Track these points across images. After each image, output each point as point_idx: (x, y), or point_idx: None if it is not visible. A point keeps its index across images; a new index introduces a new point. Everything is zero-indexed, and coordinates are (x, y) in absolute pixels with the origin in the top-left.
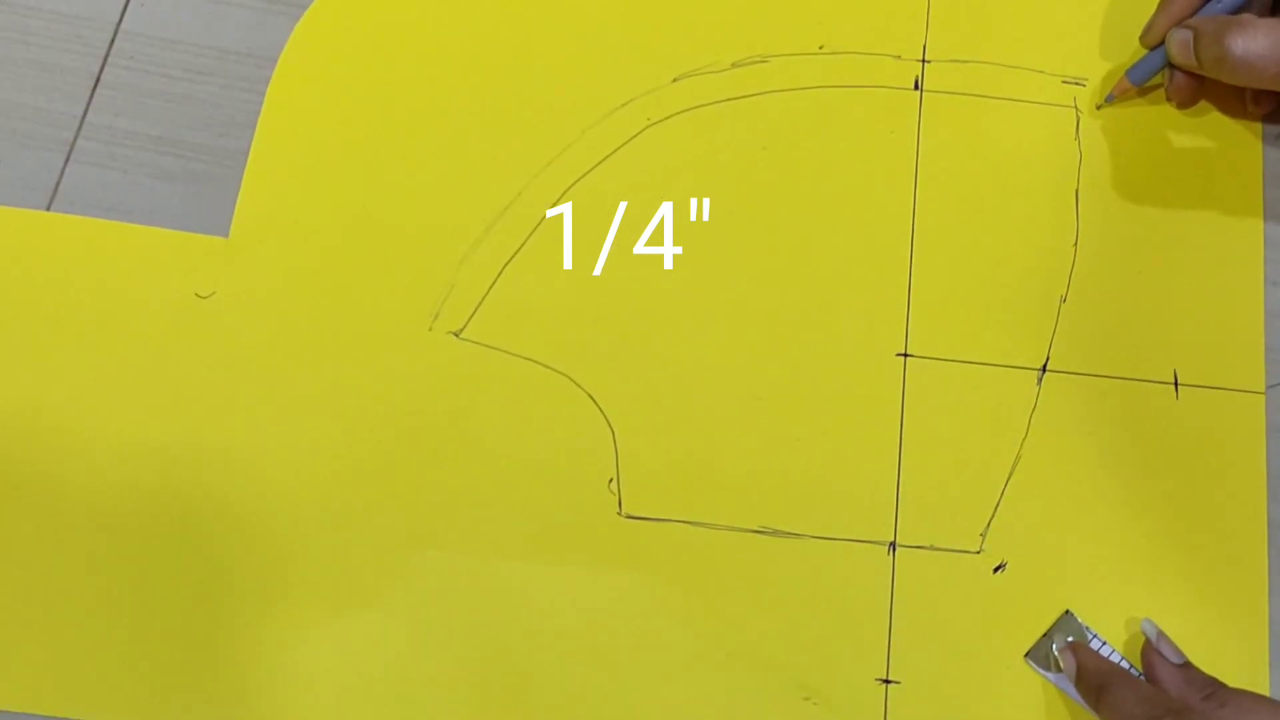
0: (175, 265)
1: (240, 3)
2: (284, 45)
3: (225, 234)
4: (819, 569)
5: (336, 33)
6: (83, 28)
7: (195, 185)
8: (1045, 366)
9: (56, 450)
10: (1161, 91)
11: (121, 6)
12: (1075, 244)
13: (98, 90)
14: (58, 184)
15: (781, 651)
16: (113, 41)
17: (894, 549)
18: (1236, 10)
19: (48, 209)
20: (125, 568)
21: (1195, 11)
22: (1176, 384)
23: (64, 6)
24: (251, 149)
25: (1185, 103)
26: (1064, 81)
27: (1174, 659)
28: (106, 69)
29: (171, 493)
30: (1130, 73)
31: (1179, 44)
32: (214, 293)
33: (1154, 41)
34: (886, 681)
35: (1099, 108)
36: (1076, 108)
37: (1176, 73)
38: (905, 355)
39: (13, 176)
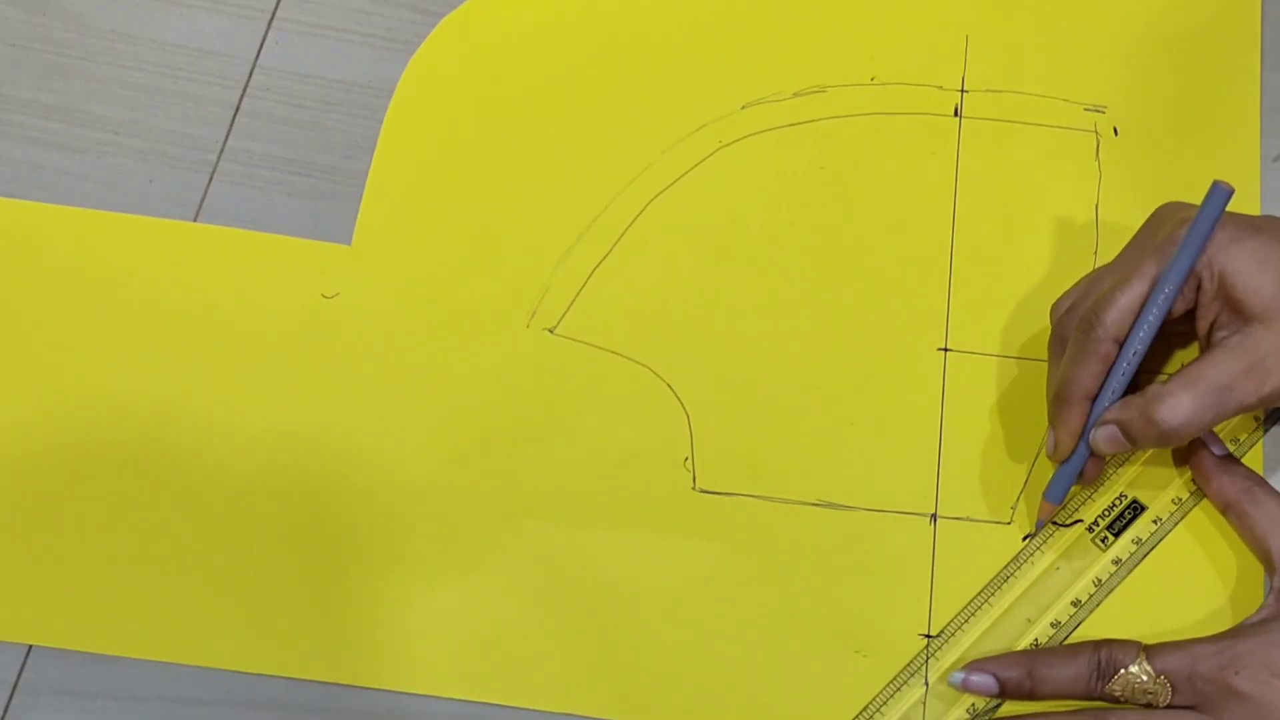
0: (304, 270)
1: (362, 41)
2: (399, 76)
3: (348, 242)
4: (869, 537)
5: (445, 66)
6: (224, 63)
7: (322, 201)
8: None
9: (201, 435)
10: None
11: (258, 44)
12: (1095, 252)
13: (237, 118)
14: (202, 200)
15: (836, 610)
16: (250, 75)
17: (935, 520)
18: (1123, 393)
19: (193, 222)
20: (262, 539)
21: (1088, 416)
22: None
23: (208, 44)
24: (371, 167)
25: (1098, 478)
26: (1085, 109)
27: (1216, 450)
28: (245, 99)
29: (301, 471)
30: (1048, 493)
31: (1107, 439)
32: (338, 294)
33: (1065, 455)
34: (929, 636)
35: (1026, 539)
36: (1096, 132)
37: (1090, 462)
38: (945, 350)
39: (164, 193)
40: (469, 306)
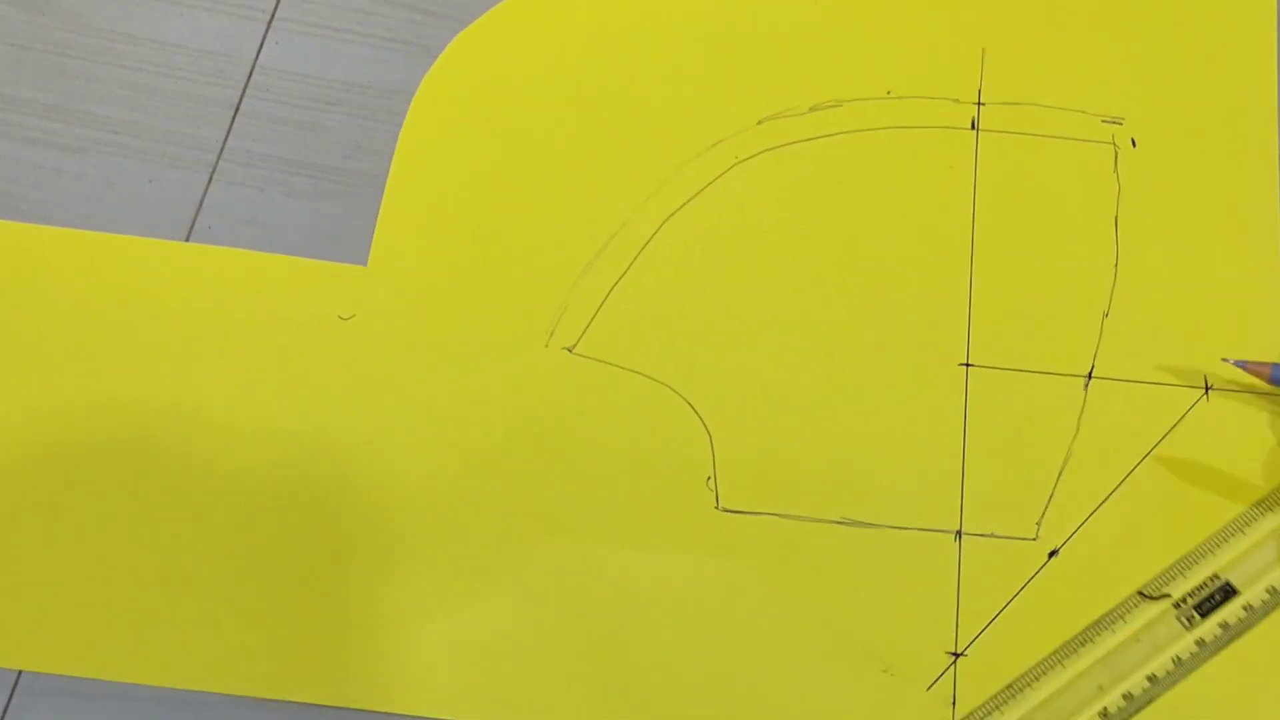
0: (320, 292)
1: (362, 41)
2: (401, 78)
3: (363, 262)
4: (894, 555)
5: (460, 84)
6: (224, 63)
7: (322, 203)
8: (1091, 374)
9: (218, 454)
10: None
11: (258, 44)
12: (1115, 265)
13: (237, 118)
14: (202, 200)
15: (862, 628)
16: (250, 75)
17: (960, 536)
18: None
19: (193, 222)
20: (280, 562)
21: None
22: (1207, 388)
23: (208, 44)
24: (386, 188)
25: None
26: (1103, 121)
27: None
28: (245, 99)
29: (317, 491)
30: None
31: None
32: (354, 315)
33: None
34: (955, 655)
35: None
36: (1115, 144)
37: None
38: (967, 365)
39: (162, 194)
40: (487, 326)
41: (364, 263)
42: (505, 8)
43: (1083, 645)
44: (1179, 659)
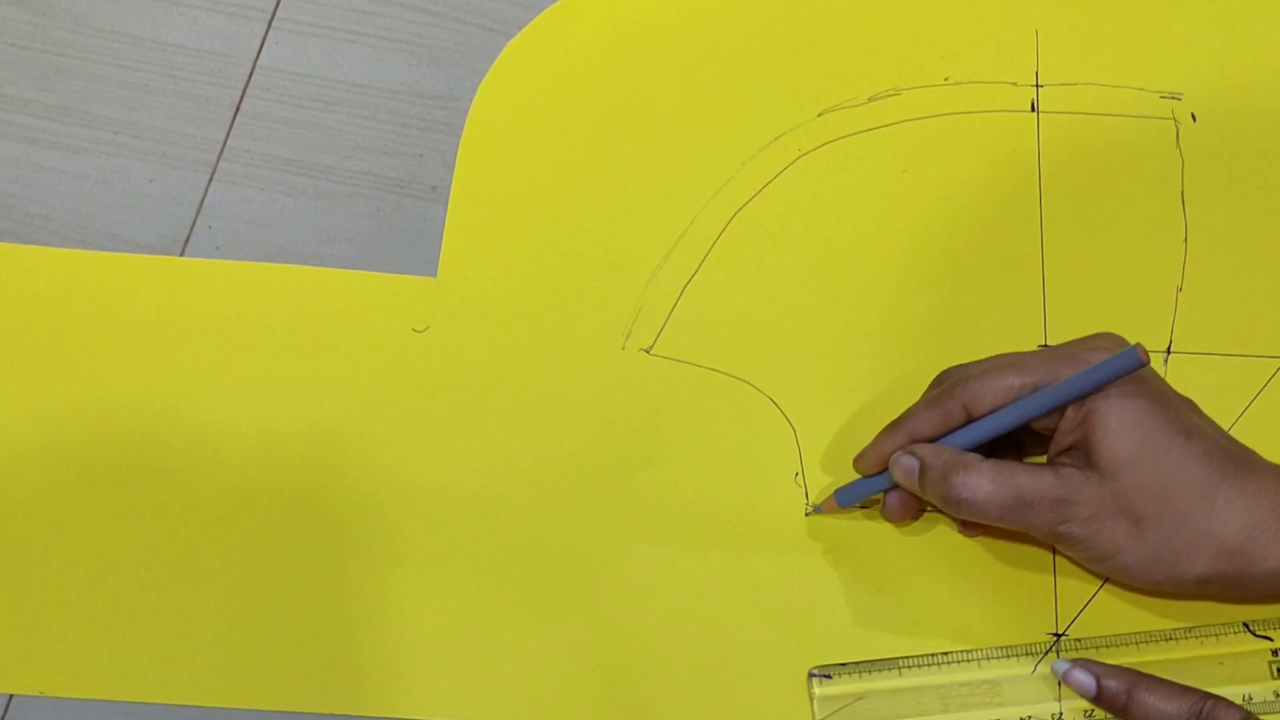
0: (392, 306)
1: (362, 41)
2: (401, 78)
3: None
4: (985, 542)
5: (516, 91)
6: (224, 63)
7: (322, 202)
8: (1169, 349)
9: (301, 475)
10: None
11: (258, 44)
12: (1185, 240)
13: (237, 118)
14: (202, 200)
15: (961, 617)
16: (250, 75)
17: None
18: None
19: (193, 222)
20: (367, 579)
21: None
22: None
23: (208, 44)
24: (451, 197)
25: (903, 519)
26: (1162, 97)
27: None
28: (245, 99)
29: (406, 510)
30: (840, 494)
31: (903, 470)
32: (428, 328)
33: (869, 469)
34: (1057, 635)
35: (808, 514)
36: (1175, 119)
37: (892, 493)
38: (1044, 346)
39: (163, 193)
40: (561, 332)
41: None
42: (558, 9)
43: (1166, 640)
44: (1249, 697)
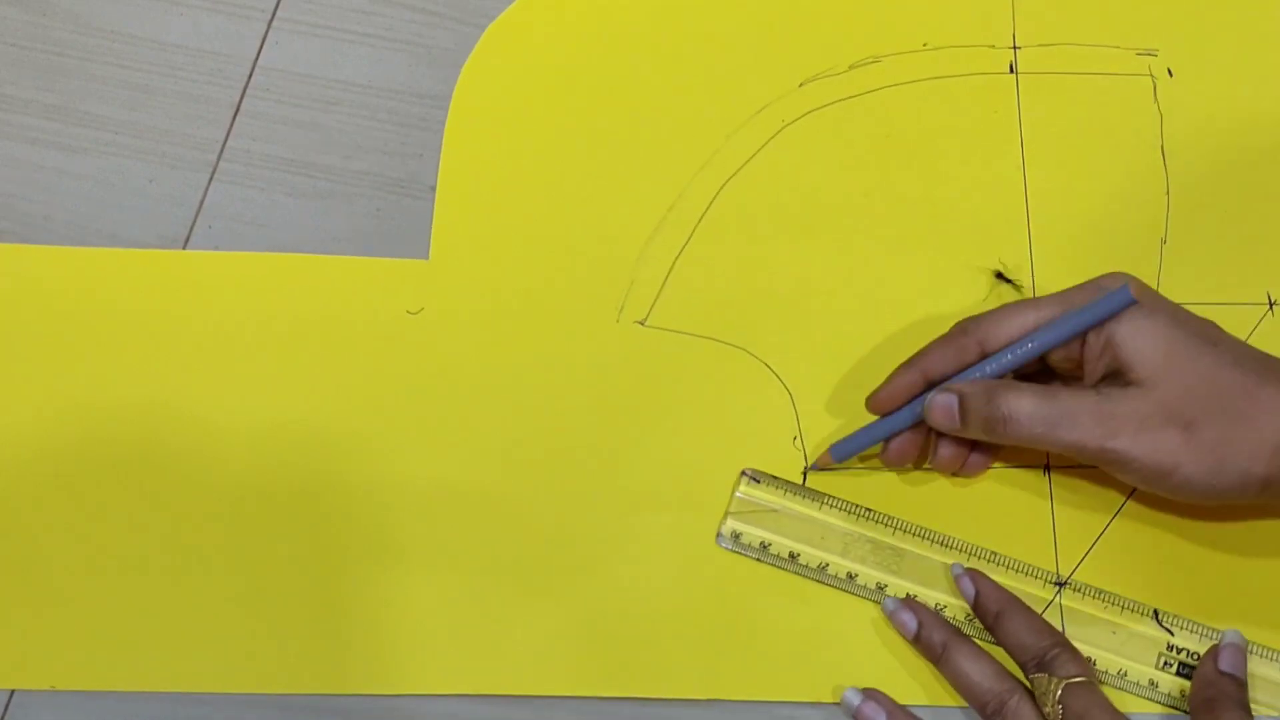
0: (385, 288)
1: (361, 41)
2: (401, 78)
3: (414, 255)
4: (984, 497)
5: (499, 71)
6: (224, 63)
7: (322, 202)
8: None
9: (306, 458)
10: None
11: (258, 44)
12: (1167, 192)
13: (237, 118)
14: (202, 200)
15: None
16: (250, 75)
17: (1049, 470)
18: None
19: (193, 222)
20: (369, 564)
21: (918, 390)
22: (1270, 303)
23: (208, 44)
24: (439, 179)
25: (903, 463)
26: (1138, 54)
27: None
28: (245, 99)
29: (411, 489)
30: (835, 449)
31: (941, 408)
32: (422, 309)
33: (883, 409)
34: (1060, 583)
35: (805, 473)
36: (1152, 75)
37: (897, 438)
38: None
39: (163, 193)
40: (556, 307)
41: (414, 255)
42: None
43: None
44: (1124, 672)
